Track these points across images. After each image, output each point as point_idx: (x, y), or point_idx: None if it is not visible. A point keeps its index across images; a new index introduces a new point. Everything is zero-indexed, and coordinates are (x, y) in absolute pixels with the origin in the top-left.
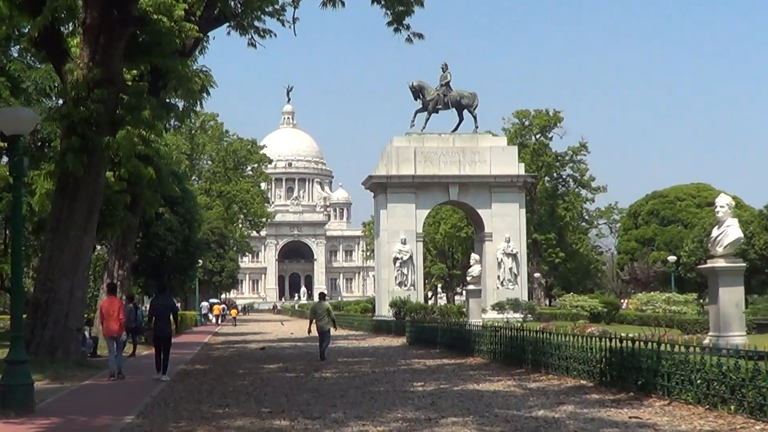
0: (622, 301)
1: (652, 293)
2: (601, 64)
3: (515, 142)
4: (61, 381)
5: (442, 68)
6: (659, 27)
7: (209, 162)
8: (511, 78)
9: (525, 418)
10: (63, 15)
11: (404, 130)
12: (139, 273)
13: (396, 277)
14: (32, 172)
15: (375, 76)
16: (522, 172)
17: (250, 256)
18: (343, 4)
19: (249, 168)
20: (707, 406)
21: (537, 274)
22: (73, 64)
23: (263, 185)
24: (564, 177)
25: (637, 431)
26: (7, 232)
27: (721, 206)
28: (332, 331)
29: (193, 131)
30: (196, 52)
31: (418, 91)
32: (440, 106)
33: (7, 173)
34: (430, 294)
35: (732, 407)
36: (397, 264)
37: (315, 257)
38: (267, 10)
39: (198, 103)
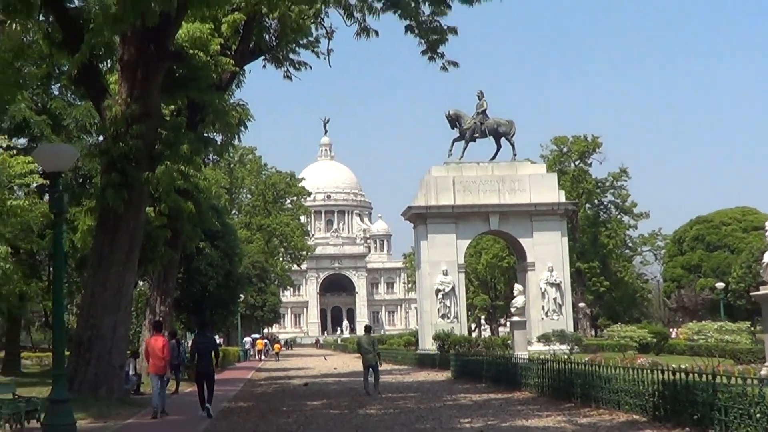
0: (670, 330)
1: (703, 322)
2: (637, 87)
3: (554, 169)
4: (105, 419)
5: (478, 96)
6: (697, 48)
7: (248, 196)
8: (546, 104)
9: None
10: (101, 52)
11: (442, 159)
12: (181, 308)
13: (439, 309)
14: (74, 209)
15: (411, 105)
16: (563, 199)
17: (292, 290)
18: (377, 33)
19: (288, 201)
20: None
21: (582, 304)
22: (111, 100)
23: (303, 218)
24: (605, 204)
25: None
26: (50, 268)
27: None
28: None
29: (231, 165)
30: (233, 86)
31: (454, 120)
32: (477, 135)
33: (48, 210)
34: (473, 326)
35: None
36: (440, 296)
37: (356, 290)
38: (301, 42)
39: (236, 136)
